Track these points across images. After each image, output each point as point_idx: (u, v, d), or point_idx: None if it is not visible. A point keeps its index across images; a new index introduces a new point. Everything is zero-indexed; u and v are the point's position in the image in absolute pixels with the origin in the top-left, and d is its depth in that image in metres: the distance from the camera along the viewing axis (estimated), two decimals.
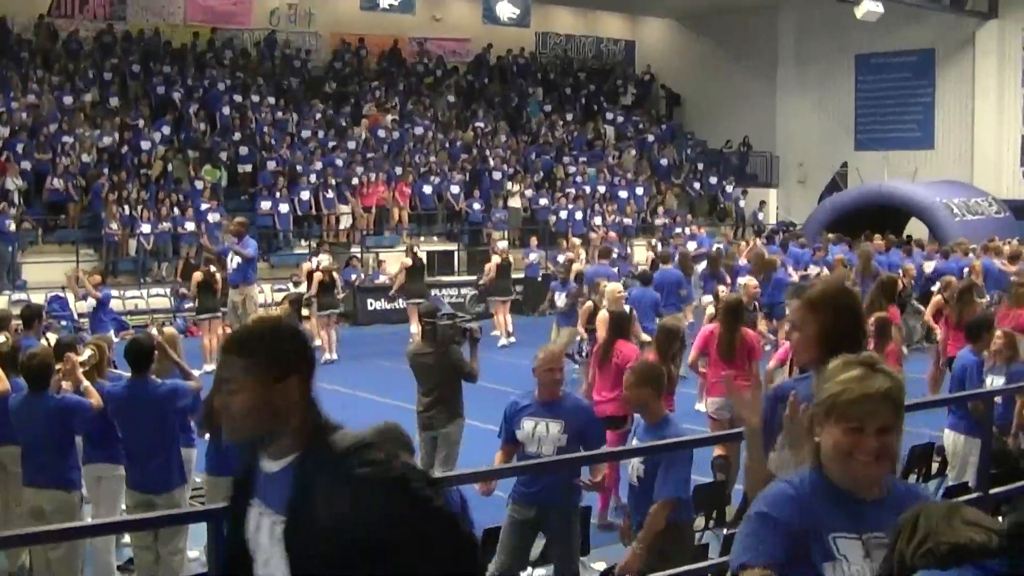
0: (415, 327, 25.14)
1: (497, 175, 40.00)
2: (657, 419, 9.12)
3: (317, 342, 15.90)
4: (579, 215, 38.93)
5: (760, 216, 43.46)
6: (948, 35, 42.59)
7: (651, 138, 47.20)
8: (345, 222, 36.47)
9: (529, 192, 39.63)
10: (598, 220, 38.89)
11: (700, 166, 46.87)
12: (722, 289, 21.94)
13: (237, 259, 24.40)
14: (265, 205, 34.93)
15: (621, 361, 13.23)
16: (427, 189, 38.27)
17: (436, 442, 12.89)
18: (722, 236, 38.10)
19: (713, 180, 45.48)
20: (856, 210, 37.61)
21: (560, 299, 23.40)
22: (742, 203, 44.27)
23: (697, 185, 45.65)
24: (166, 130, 36.78)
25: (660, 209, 42.09)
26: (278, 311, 17.09)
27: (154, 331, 15.58)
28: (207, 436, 11.35)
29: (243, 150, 37.00)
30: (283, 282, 31.07)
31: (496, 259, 28.68)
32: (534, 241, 34.01)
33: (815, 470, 3.97)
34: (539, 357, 9.89)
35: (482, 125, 43.63)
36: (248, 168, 36.64)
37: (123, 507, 11.40)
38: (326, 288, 25.82)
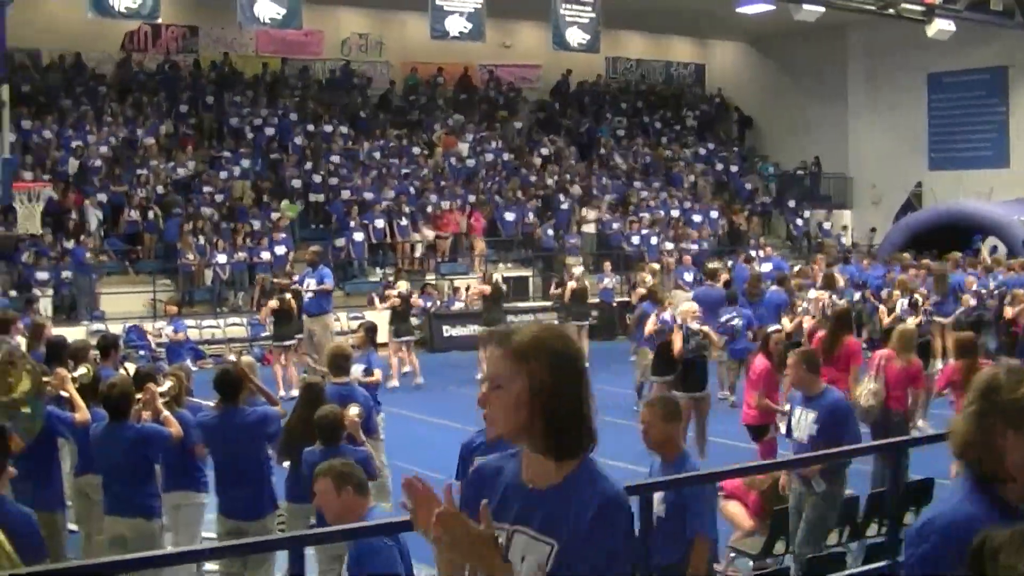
0: (483, 354, 25.14)
1: (569, 201, 39.91)
2: (675, 456, 8.66)
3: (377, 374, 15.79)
4: (653, 240, 38.73)
5: (843, 240, 43.13)
6: (1021, 52, 42.07)
7: (723, 161, 46.99)
8: (420, 249, 36.48)
9: (602, 217, 39.49)
10: (670, 245, 38.70)
11: (773, 188, 46.61)
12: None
13: (312, 288, 24.43)
14: (339, 234, 34.99)
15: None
16: (509, 216, 38.31)
17: None
18: (799, 260, 37.84)
19: (790, 204, 45.14)
20: (932, 230, 37.30)
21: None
22: (814, 225, 44.01)
23: (770, 208, 45.38)
24: (240, 160, 36.98)
25: (733, 232, 41.88)
26: (353, 339, 17.01)
27: (231, 358, 15.63)
28: (286, 464, 11.35)
29: (315, 179, 37.13)
30: (358, 310, 31.10)
31: (572, 284, 28.50)
32: (607, 266, 33.76)
33: (981, 488, 3.75)
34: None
35: (554, 151, 43.59)
36: (321, 197, 36.73)
37: (203, 535, 11.42)
38: (401, 315, 25.80)
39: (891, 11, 35.37)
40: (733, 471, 10.87)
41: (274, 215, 34.75)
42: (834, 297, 22.48)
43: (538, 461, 3.85)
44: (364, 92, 43.69)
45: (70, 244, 31.50)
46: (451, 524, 3.65)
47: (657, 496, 8.24)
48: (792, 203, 45.06)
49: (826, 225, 44.93)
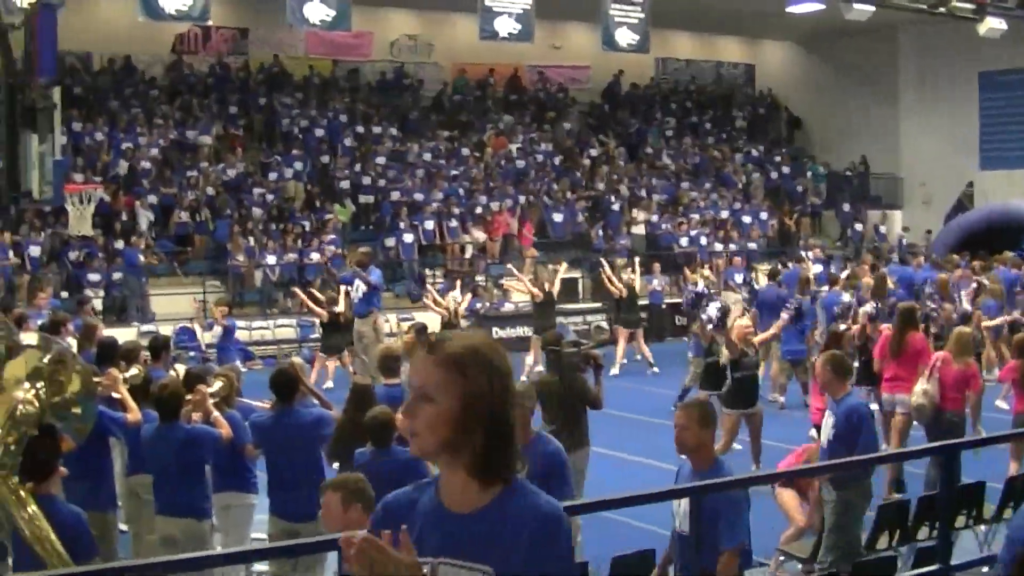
0: (531, 358, 25.11)
1: (619, 202, 39.84)
2: (709, 464, 8.32)
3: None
4: (703, 240, 38.63)
5: (904, 241, 42.86)
6: None
7: (772, 162, 46.80)
8: (469, 251, 36.51)
9: (652, 218, 39.39)
10: (719, 246, 38.57)
11: (823, 189, 46.37)
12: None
13: (362, 289, 24.46)
14: (389, 236, 35.08)
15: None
16: (558, 217, 38.20)
17: None
18: (849, 262, 37.63)
19: (844, 207, 44.86)
20: (983, 230, 37.06)
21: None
22: (867, 226, 43.82)
23: (820, 208, 45.15)
24: (290, 162, 37.07)
25: (783, 233, 41.71)
26: (402, 341, 17.04)
27: (294, 359, 15.70)
28: (336, 465, 11.37)
29: (365, 180, 37.20)
30: (407, 311, 31.13)
31: (621, 288, 28.29)
32: (657, 267, 33.58)
33: None
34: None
35: (603, 152, 43.55)
36: (370, 199, 36.80)
37: (253, 536, 11.46)
38: (450, 326, 25.68)
39: (942, 10, 35.08)
40: (760, 477, 10.83)
41: (326, 216, 34.83)
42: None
43: (462, 483, 3.57)
44: (414, 93, 43.76)
45: (120, 246, 31.70)
46: (371, 552, 3.28)
47: (684, 503, 8.09)
48: (847, 206, 44.73)
49: (882, 228, 44.67)
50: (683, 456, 8.54)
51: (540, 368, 25.25)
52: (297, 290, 27.45)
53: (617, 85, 47.65)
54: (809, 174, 46.87)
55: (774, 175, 45.95)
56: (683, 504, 8.06)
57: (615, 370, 26.19)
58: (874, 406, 16.98)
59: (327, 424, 10.96)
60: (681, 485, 8.27)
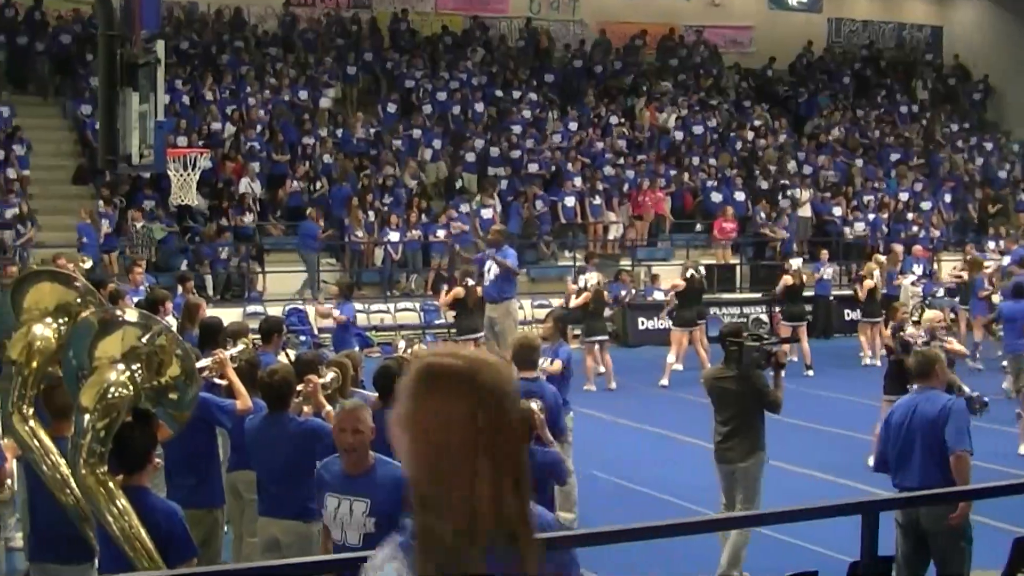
0: (672, 356, 24.91)
1: (783, 180, 39.35)
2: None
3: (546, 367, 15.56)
4: (879, 226, 38.02)
5: None
6: None
7: (960, 138, 45.96)
8: (614, 232, 36.27)
9: (820, 199, 38.86)
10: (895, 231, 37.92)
11: (1019, 168, 45.37)
12: None
13: (494, 271, 24.38)
14: (523, 212, 34.96)
15: None
16: (716, 196, 37.78)
17: (734, 478, 12.68)
18: None
19: None
20: None
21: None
22: None
23: (1020, 190, 44.16)
24: (415, 129, 37.08)
25: (969, 218, 41.01)
26: (540, 329, 16.90)
27: (402, 345, 15.59)
28: None
29: (494, 151, 37.12)
30: (544, 297, 31.03)
31: (787, 279, 27.95)
32: (825, 255, 33.04)
33: None
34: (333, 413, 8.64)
35: (766, 123, 43.05)
36: (503, 171, 36.71)
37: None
38: (594, 312, 25.55)
39: None
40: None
41: (457, 190, 34.81)
42: None
43: None
44: (554, 55, 43.60)
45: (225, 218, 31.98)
46: None
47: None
48: None
49: None
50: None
51: (679, 367, 25.12)
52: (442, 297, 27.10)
53: (783, 49, 47.09)
54: (1006, 150, 45.91)
55: (962, 154, 45.08)
56: None
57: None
58: None
59: None
60: None
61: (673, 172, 37.98)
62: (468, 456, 3.23)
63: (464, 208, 33.72)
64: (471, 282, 24.25)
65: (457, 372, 3.29)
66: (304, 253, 31.62)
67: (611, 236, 36.13)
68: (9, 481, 9.81)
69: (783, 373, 13.15)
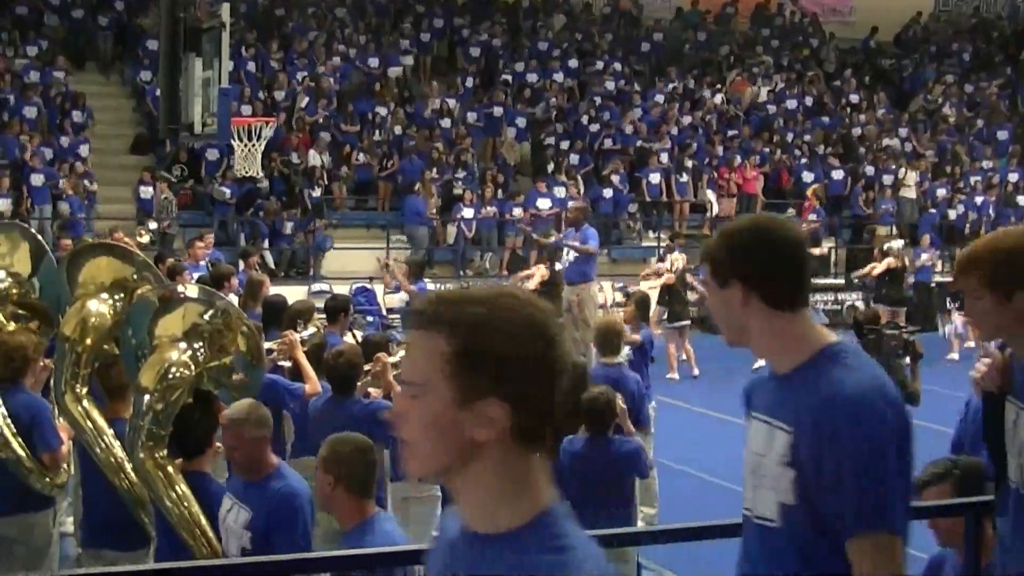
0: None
1: (884, 159, 39.06)
2: None
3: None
4: (990, 210, 37.72)
5: None
6: None
7: None
8: (705, 211, 36.17)
9: (924, 179, 38.58)
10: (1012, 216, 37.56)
11: None
12: None
13: (572, 253, 24.36)
14: (607, 190, 34.94)
15: None
16: (808, 176, 37.59)
17: None
18: None
19: None
20: None
21: None
22: None
23: None
24: (493, 101, 37.07)
25: None
26: (622, 313, 16.88)
27: None
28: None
29: (580, 124, 37.07)
30: (625, 279, 30.96)
31: (890, 260, 27.75)
32: (926, 239, 32.89)
33: None
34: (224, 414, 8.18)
35: (866, 99, 42.78)
36: (583, 144, 36.58)
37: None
38: (676, 294, 25.47)
39: None
40: None
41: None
42: None
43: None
44: (639, 25, 43.48)
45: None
46: None
47: None
48: None
49: None
50: None
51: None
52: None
53: (886, 19, 46.75)
54: None
55: None
56: None
57: None
58: None
59: None
60: None
61: (766, 149, 37.78)
62: None
63: (542, 187, 33.61)
64: (559, 266, 24.24)
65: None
66: (410, 229, 31.86)
67: (700, 215, 35.98)
68: (65, 465, 9.85)
69: (919, 365, 13.02)
